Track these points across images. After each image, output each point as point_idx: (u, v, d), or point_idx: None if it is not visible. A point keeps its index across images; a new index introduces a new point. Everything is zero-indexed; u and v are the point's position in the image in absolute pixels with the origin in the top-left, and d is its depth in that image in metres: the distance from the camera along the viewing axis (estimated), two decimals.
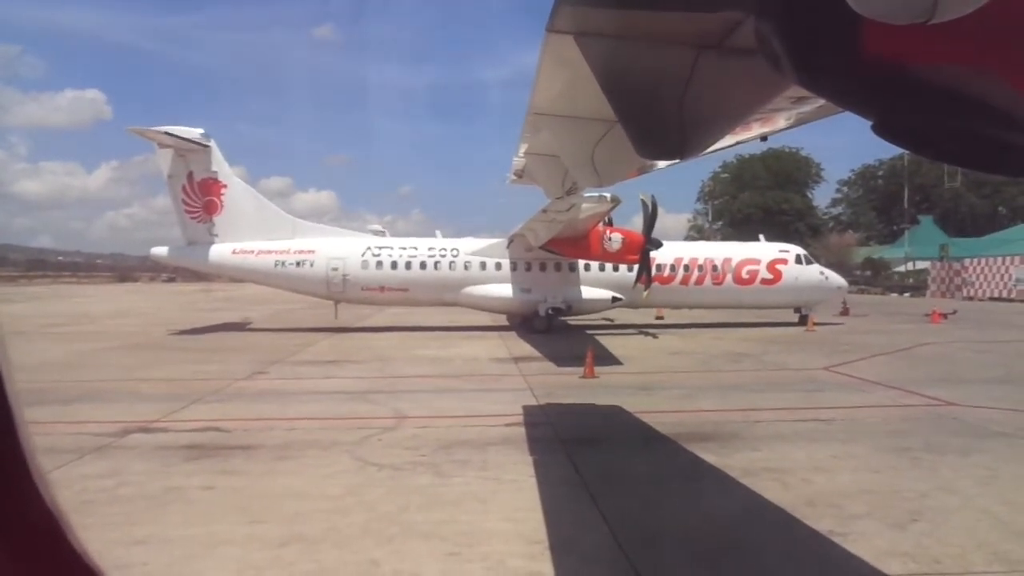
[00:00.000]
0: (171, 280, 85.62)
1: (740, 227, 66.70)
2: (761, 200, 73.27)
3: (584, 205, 17.07)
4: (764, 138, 4.72)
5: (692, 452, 7.98)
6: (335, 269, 23.41)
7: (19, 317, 29.02)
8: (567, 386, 12.60)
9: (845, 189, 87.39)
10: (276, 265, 23.53)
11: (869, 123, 1.97)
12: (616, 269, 23.25)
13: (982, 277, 46.56)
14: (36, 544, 1.06)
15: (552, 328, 22.85)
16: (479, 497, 6.39)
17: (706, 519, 5.98)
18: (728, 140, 4.28)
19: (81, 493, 6.33)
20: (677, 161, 4.18)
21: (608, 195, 16.91)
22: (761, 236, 28.27)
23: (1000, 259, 45.76)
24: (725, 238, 61.86)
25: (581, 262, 23.30)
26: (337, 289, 23.61)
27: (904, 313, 32.87)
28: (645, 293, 22.43)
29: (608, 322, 26.49)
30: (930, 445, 8.23)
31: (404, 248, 24.33)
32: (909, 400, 11.24)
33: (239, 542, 5.32)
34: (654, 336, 22.27)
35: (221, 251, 23.64)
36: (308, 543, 5.30)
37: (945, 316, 27.92)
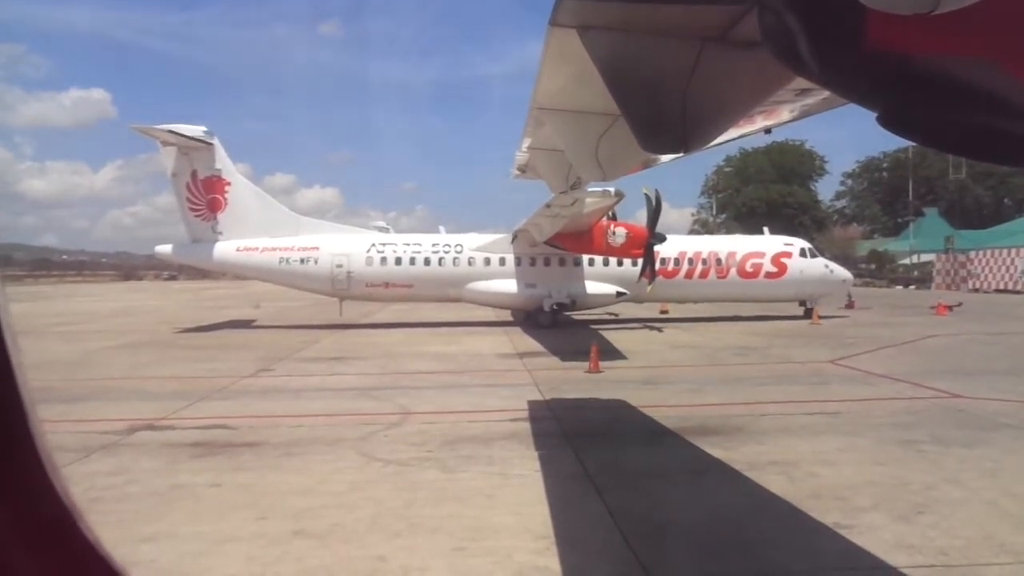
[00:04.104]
0: (172, 278, 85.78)
1: (744, 221, 66.58)
2: (765, 194, 73.02)
3: (588, 200, 17.05)
4: (768, 131, 4.71)
5: (697, 446, 7.98)
6: (339, 266, 23.44)
7: (25, 316, 29.13)
8: (572, 381, 12.60)
9: (849, 182, 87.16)
10: (280, 262, 23.57)
11: (873, 115, 1.97)
12: (620, 264, 23.23)
13: (988, 269, 46.37)
14: (51, 538, 1.07)
15: (556, 323, 22.85)
16: (485, 492, 6.40)
17: (712, 513, 5.98)
18: (732, 133, 4.27)
19: (89, 491, 6.36)
20: (681, 155, 4.16)
21: (612, 189, 16.89)
22: (765, 229, 28.19)
23: (1006, 251, 45.56)
24: (729, 232, 61.86)
25: (585, 257, 23.28)
26: (341, 286, 23.65)
27: (909, 306, 32.76)
28: (649, 287, 22.39)
29: (612, 317, 26.47)
30: (936, 437, 8.21)
31: (408, 244, 24.34)
32: (915, 393, 11.22)
33: (247, 538, 5.34)
34: (659, 330, 22.24)
35: (225, 249, 23.68)
36: (315, 539, 5.32)
37: (950, 308, 27.81)
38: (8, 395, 1.04)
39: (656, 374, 13.43)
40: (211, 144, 23.31)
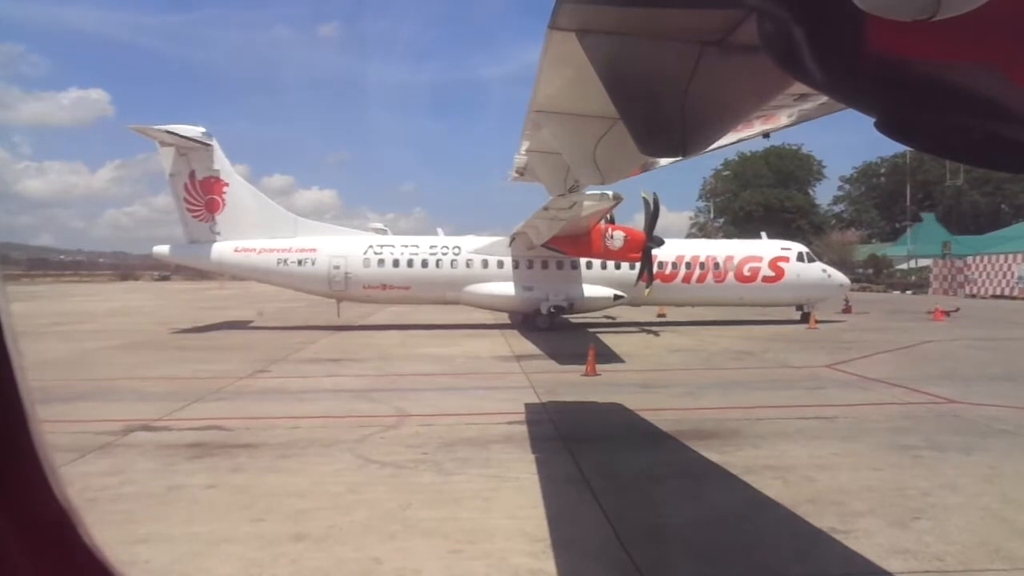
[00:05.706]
0: (165, 278, 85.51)
1: (742, 225, 66.68)
2: (763, 198, 73.18)
3: (586, 203, 17.07)
4: (766, 135, 4.71)
5: (694, 450, 7.98)
6: (337, 267, 23.44)
7: (22, 316, 29.02)
8: (569, 384, 12.60)
9: (847, 186, 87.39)
10: (278, 263, 23.56)
11: (871, 120, 1.97)
12: (618, 267, 23.25)
13: (985, 275, 46.47)
14: (48, 539, 1.07)
15: (554, 326, 22.86)
16: (481, 495, 6.39)
17: (708, 517, 5.97)
18: (730, 137, 4.27)
19: (84, 491, 6.34)
20: (679, 158, 4.17)
21: (610, 193, 16.90)
22: (763, 234, 28.25)
23: (1003, 256, 45.67)
24: (727, 236, 61.92)
25: (583, 260, 23.30)
26: (339, 287, 23.64)
27: (906, 311, 32.81)
28: (647, 291, 22.42)
29: (610, 320, 26.48)
30: (932, 443, 8.22)
31: (406, 246, 24.34)
32: (911, 398, 11.23)
33: (242, 540, 5.32)
34: (656, 334, 22.26)
35: (223, 249, 23.67)
36: (311, 541, 5.30)
37: (947, 314, 27.86)
38: (8, 396, 1.04)
39: (653, 378, 13.43)
40: (209, 145, 23.30)
